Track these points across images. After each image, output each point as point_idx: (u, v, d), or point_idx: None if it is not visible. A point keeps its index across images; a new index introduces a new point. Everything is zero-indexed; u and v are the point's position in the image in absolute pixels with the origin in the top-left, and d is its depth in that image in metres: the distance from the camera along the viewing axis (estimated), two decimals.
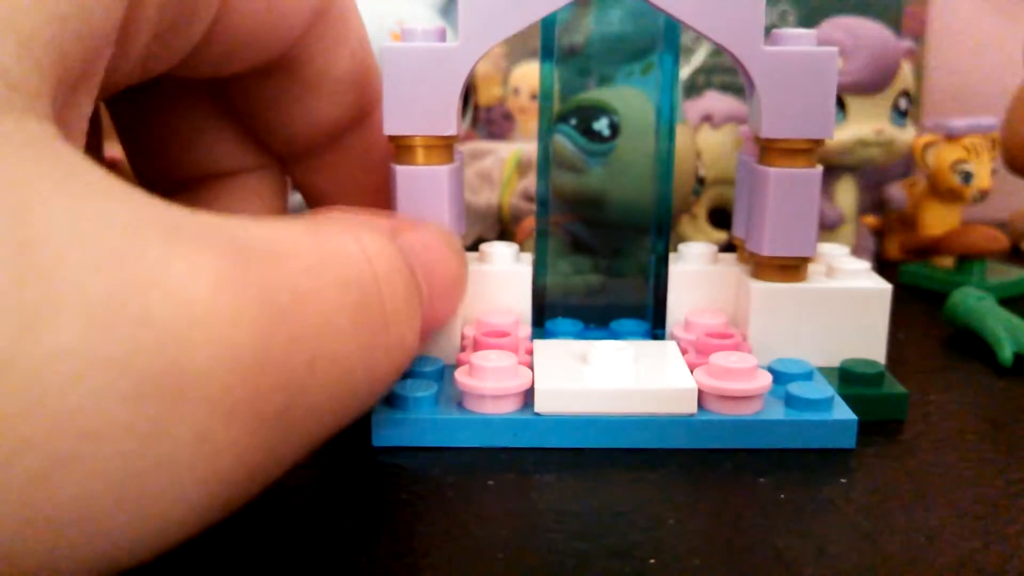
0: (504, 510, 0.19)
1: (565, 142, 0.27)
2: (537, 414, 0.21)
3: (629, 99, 0.27)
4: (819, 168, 0.24)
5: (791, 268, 0.25)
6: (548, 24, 0.24)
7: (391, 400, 0.22)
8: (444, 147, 0.23)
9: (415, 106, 0.22)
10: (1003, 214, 0.46)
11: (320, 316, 0.13)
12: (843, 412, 0.22)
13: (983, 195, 0.37)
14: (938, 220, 0.38)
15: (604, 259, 0.27)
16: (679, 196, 0.31)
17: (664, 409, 0.21)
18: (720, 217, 0.41)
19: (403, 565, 0.17)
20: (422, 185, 0.23)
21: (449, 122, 0.22)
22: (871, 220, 0.43)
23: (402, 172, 0.23)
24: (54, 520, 0.10)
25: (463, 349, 0.24)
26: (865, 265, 0.25)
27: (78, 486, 0.10)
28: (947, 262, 0.38)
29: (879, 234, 0.43)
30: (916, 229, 0.39)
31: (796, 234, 0.24)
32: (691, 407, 0.21)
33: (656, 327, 0.26)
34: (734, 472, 0.20)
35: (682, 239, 0.39)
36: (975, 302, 0.30)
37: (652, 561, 0.17)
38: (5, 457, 0.10)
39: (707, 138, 0.40)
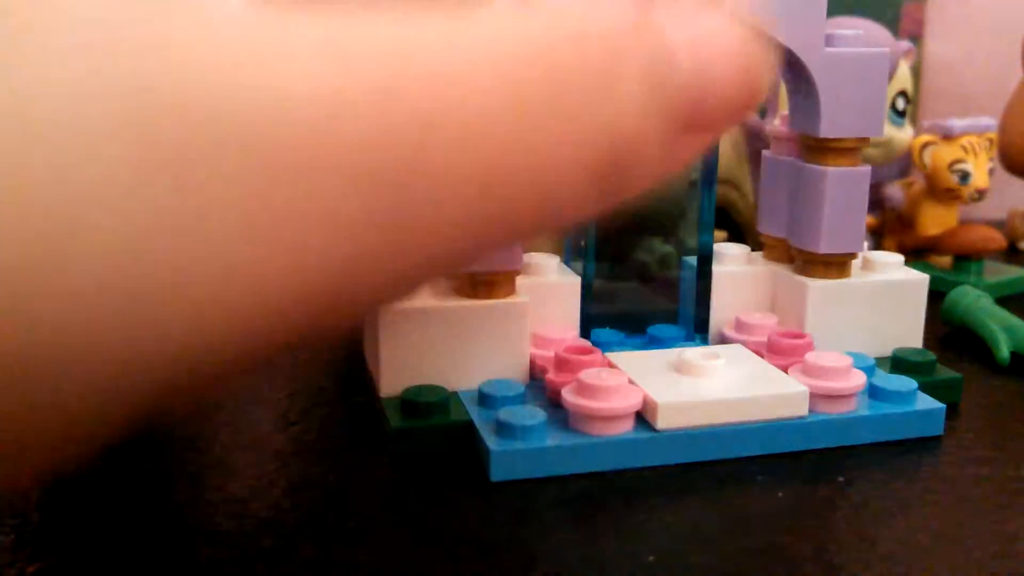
0: (506, 510, 0.19)
1: None
2: (657, 431, 0.21)
3: None
4: (868, 166, 0.25)
5: (839, 264, 0.25)
6: None
7: (502, 431, 0.20)
8: None
9: None
10: (1000, 214, 0.46)
11: (443, 65, 0.10)
12: (927, 401, 0.22)
13: (980, 195, 0.37)
14: (935, 220, 0.38)
15: (630, 265, 0.27)
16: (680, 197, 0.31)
17: (776, 414, 0.21)
18: (720, 216, 0.41)
19: (403, 565, 0.17)
20: None
21: None
22: (869, 219, 0.43)
23: None
24: (47, 311, 0.08)
25: (543, 369, 0.23)
26: (898, 258, 0.26)
27: (82, 262, 0.08)
28: (944, 261, 0.38)
29: (877, 233, 0.43)
30: (914, 228, 0.39)
31: (849, 231, 0.25)
32: (802, 409, 0.21)
33: (698, 331, 0.26)
34: (734, 472, 0.20)
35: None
36: (972, 301, 0.30)
37: (652, 559, 0.17)
38: None
39: None
